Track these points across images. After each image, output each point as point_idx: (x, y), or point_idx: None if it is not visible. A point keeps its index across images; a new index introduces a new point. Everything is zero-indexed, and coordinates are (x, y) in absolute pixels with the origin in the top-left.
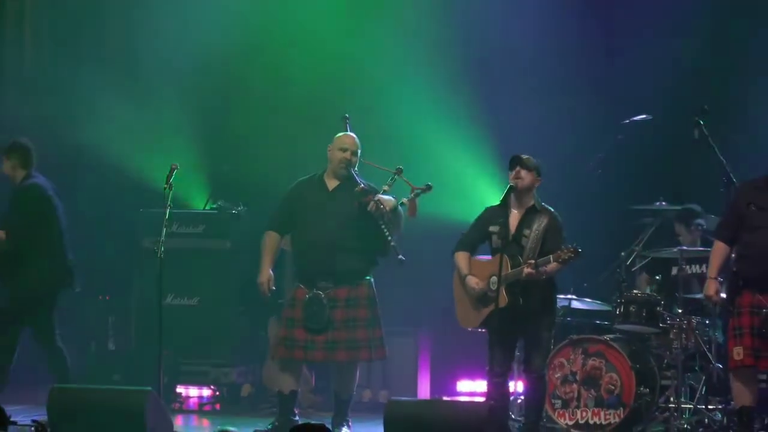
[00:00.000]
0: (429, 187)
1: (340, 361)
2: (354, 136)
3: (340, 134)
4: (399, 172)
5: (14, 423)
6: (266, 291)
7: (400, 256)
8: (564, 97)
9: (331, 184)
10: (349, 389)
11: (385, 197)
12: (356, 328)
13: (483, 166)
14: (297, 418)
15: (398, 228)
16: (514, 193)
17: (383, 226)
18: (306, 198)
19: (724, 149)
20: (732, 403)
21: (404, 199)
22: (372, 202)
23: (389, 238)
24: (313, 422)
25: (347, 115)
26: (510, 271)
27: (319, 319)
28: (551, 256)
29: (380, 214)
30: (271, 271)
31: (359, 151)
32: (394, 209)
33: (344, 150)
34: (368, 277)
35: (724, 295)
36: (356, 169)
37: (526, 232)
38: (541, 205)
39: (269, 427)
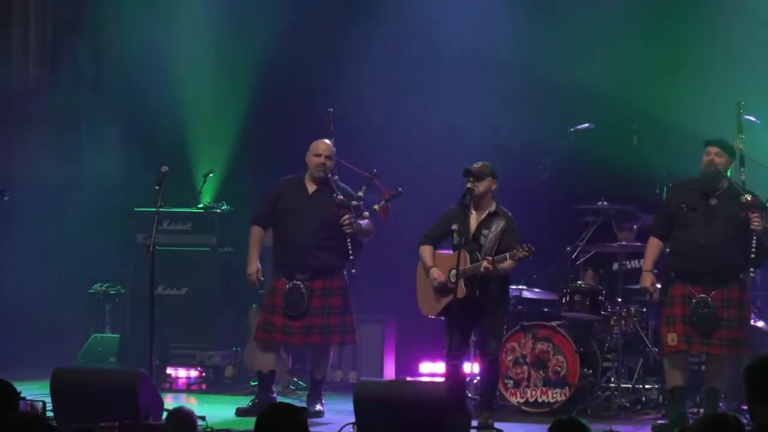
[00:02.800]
0: (399, 193)
1: (315, 344)
2: (328, 141)
3: (316, 141)
4: (374, 176)
5: (24, 398)
6: (255, 282)
7: (354, 271)
8: (518, 105)
9: (311, 187)
10: (323, 370)
11: (363, 222)
12: (330, 315)
13: (443, 167)
14: (275, 395)
15: (366, 237)
16: (471, 197)
17: (349, 242)
18: (288, 198)
19: (660, 153)
20: (666, 382)
21: (376, 206)
22: (348, 223)
23: (350, 254)
24: (287, 402)
25: (331, 109)
26: (469, 266)
27: (299, 307)
28: (508, 254)
29: (351, 232)
30: (259, 263)
31: (334, 154)
32: (365, 230)
33: (318, 155)
34: (341, 271)
35: (659, 286)
36: (335, 171)
37: (485, 232)
38: (501, 210)
39: (249, 404)
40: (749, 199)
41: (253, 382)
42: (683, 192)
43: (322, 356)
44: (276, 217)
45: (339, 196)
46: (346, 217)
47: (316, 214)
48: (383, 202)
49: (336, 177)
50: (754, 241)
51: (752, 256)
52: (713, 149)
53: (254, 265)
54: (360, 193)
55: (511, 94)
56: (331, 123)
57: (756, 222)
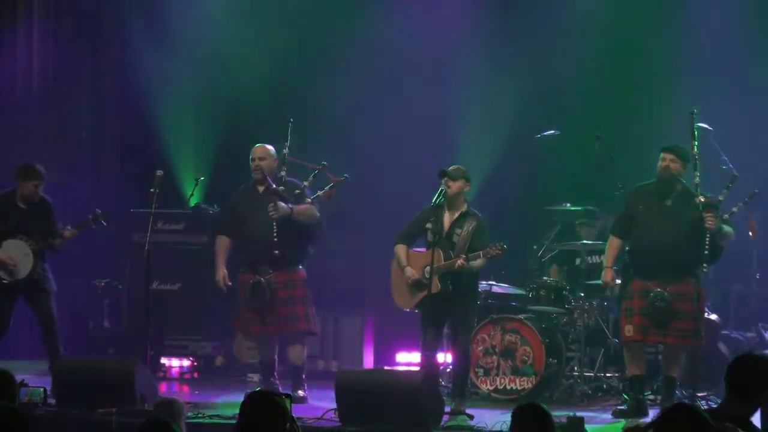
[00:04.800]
0: (345, 178)
1: (284, 333)
2: (265, 146)
3: (253, 147)
4: (324, 168)
5: (26, 385)
6: (223, 287)
7: (276, 252)
8: (488, 114)
9: (260, 188)
10: (300, 357)
11: (282, 205)
12: (295, 305)
13: (416, 171)
14: (276, 381)
15: (309, 221)
16: (446, 197)
17: (273, 225)
18: (243, 204)
19: (619, 159)
20: (626, 371)
21: (319, 192)
22: (271, 207)
23: (275, 236)
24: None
25: (291, 120)
26: (443, 263)
27: (261, 300)
28: (481, 252)
29: (275, 217)
30: (225, 270)
31: (270, 154)
32: (304, 212)
33: (252, 160)
34: (301, 266)
35: (618, 281)
36: (284, 168)
37: (458, 231)
38: (471, 210)
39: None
40: (703, 200)
41: (242, 371)
42: (641, 195)
43: (296, 344)
44: (236, 223)
45: (272, 186)
46: (272, 205)
47: (266, 211)
48: (326, 188)
49: (283, 174)
50: (707, 239)
51: (705, 252)
52: (668, 155)
53: (221, 272)
54: (306, 183)
55: (482, 104)
56: (289, 131)
57: (710, 221)
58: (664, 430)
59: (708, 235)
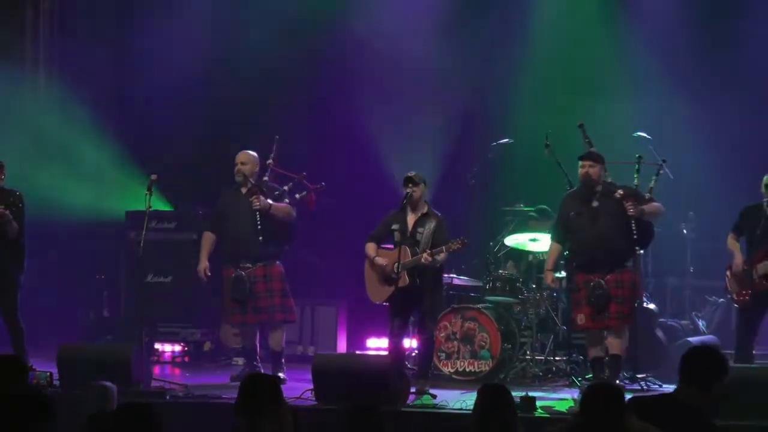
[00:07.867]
0: (322, 186)
1: (264, 322)
2: (248, 152)
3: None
4: (303, 177)
5: (33, 369)
6: (204, 277)
7: (261, 238)
8: (450, 124)
9: (243, 189)
10: (280, 343)
11: (263, 201)
12: (273, 297)
13: (386, 175)
14: (259, 365)
15: (287, 218)
16: (410, 201)
17: (258, 219)
18: (227, 203)
19: (566, 163)
20: (573, 354)
21: (297, 195)
22: (254, 199)
23: (259, 225)
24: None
25: (277, 136)
26: (410, 259)
27: (242, 292)
28: (444, 246)
29: (259, 208)
30: (206, 262)
31: (252, 160)
32: (281, 209)
33: (235, 164)
34: (278, 261)
35: (562, 274)
36: (267, 174)
37: (420, 230)
38: (432, 211)
39: (240, 372)
40: (621, 193)
41: (228, 356)
42: (570, 201)
43: (276, 332)
44: (220, 221)
45: (252, 183)
46: (255, 197)
47: (249, 211)
48: (304, 193)
49: (265, 179)
50: (633, 225)
51: (635, 238)
52: (586, 162)
53: (203, 264)
54: (285, 188)
55: (443, 116)
56: (274, 145)
57: (631, 209)
58: (585, 408)
59: (633, 222)
